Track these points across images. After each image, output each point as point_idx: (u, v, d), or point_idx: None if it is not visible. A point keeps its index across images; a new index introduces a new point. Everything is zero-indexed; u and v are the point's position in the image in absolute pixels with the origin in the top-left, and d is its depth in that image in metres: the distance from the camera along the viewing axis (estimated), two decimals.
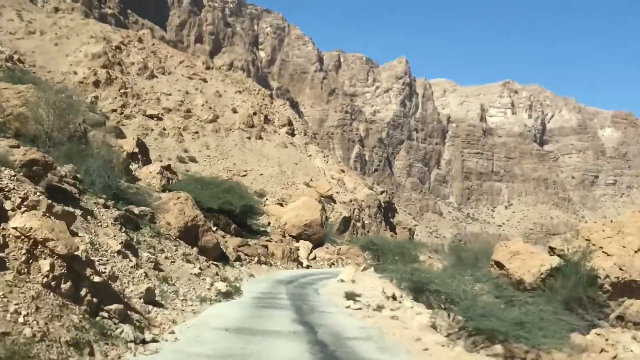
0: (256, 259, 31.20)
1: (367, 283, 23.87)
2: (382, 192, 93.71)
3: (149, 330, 9.69)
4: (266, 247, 35.36)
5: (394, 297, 17.85)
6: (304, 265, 38.37)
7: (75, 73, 70.17)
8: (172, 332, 10.38)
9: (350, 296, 18.23)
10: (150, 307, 11.08)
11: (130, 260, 11.97)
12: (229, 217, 34.91)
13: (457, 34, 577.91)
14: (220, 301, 15.40)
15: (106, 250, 11.64)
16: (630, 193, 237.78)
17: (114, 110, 66.74)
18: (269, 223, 48.37)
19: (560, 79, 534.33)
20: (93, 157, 16.76)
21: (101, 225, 12.78)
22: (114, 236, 12.38)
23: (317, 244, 47.82)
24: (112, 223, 13.11)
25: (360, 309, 16.04)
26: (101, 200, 14.06)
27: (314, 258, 42.44)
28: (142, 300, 10.72)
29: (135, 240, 14.15)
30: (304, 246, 42.70)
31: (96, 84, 68.77)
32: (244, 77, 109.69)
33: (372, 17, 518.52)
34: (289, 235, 46.18)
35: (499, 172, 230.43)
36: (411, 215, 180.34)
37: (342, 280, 24.82)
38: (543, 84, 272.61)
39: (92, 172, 15.56)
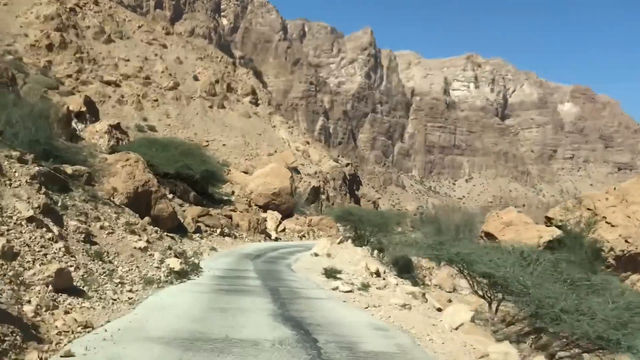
0: (219, 230, 28.37)
1: (344, 257, 21.76)
2: (347, 165, 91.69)
3: (22, 353, 5.99)
4: (230, 217, 32.41)
5: (377, 274, 15.56)
6: (272, 237, 35.73)
7: (27, 35, 65.00)
8: (68, 357, 6.37)
9: (331, 273, 15.92)
10: (63, 296, 7.86)
11: (48, 231, 8.97)
12: (188, 184, 31.62)
13: (422, 4, 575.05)
14: (172, 283, 12.18)
15: (10, 217, 8.78)
16: (587, 167, 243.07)
17: (69, 76, 62.35)
18: (233, 192, 45.00)
19: (523, 52, 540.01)
20: (19, 106, 13.63)
21: (10, 184, 9.84)
22: (28, 199, 9.47)
23: (286, 214, 44.67)
24: (27, 182, 10.16)
25: (351, 291, 13.21)
26: (15, 154, 11.03)
27: (283, 230, 39.63)
28: (50, 287, 7.53)
29: (60, 204, 11.16)
30: (272, 217, 39.81)
31: (49, 47, 64.03)
32: (205, 44, 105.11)
33: None
34: (256, 205, 42.72)
35: (461, 146, 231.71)
36: (374, 188, 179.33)
37: (316, 254, 22.80)
38: (506, 57, 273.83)
39: (15, 123, 12.57)
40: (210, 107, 74.30)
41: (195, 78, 78.39)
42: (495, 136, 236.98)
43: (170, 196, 27.34)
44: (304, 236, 40.20)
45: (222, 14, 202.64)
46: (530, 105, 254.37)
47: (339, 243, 26.89)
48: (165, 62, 77.48)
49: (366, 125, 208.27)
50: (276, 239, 35.52)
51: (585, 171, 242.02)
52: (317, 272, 16.96)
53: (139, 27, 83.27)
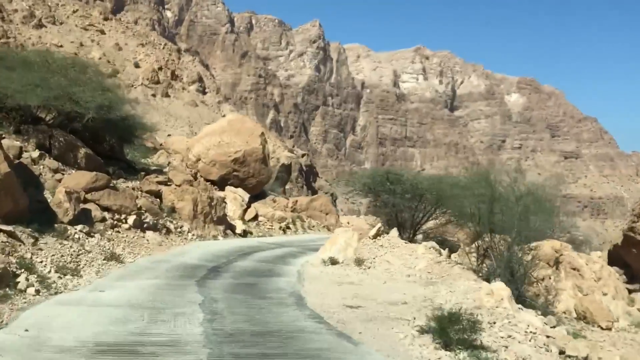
0: (132, 219, 16.59)
1: (396, 265, 13.26)
2: (303, 155, 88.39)
3: None
4: (158, 195, 20.19)
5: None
6: (238, 231, 23.88)
7: None
8: None
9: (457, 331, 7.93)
10: None
11: None
12: (76, 134, 19.33)
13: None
14: None
15: None
16: (535, 156, 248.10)
17: None
18: (169, 163, 30.99)
19: (469, 45, 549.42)
20: None
21: None
22: None
23: (257, 194, 32.01)
24: None
25: None
26: None
27: (255, 218, 27.43)
28: None
29: None
30: (234, 197, 27.04)
31: None
32: (148, 31, 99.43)
33: None
34: (207, 180, 29.45)
35: (412, 138, 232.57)
36: (327, 182, 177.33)
37: (332, 261, 13.55)
38: (453, 50, 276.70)
39: None
40: (154, 95, 69.48)
41: (137, 65, 73.30)
42: (445, 127, 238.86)
43: (35, 154, 16.33)
44: (288, 227, 29.12)
45: (166, 6, 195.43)
46: (478, 97, 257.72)
47: (375, 237, 15.83)
48: (102, 49, 72.03)
49: (317, 118, 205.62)
50: (244, 234, 24.18)
51: (533, 160, 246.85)
52: (394, 321, 8.90)
53: (74, 12, 77.37)
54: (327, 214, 33.80)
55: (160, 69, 74.13)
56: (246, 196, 28.72)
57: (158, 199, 20.30)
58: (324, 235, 26.34)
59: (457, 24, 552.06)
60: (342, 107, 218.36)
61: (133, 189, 19.48)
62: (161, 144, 37.07)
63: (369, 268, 13.26)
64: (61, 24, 73.91)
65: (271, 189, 39.47)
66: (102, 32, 77.52)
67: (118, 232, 15.79)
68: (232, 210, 26.20)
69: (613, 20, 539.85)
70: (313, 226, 31.56)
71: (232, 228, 23.97)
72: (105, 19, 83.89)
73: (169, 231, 18.70)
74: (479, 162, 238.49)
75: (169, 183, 22.33)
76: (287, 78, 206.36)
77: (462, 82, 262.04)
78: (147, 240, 16.46)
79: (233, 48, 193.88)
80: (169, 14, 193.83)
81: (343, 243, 14.20)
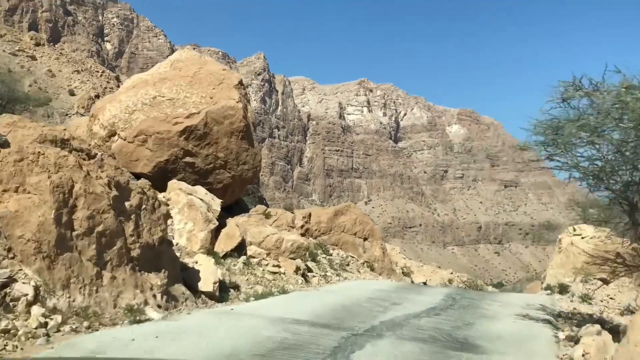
0: None
1: None
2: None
3: None
4: None
5: None
6: (206, 287, 10.92)
7: None
8: None
9: None
10: None
11: None
12: None
13: (314, 32, 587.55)
14: None
15: None
16: (476, 185, 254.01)
17: None
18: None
19: (411, 78, 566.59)
20: None
21: None
22: None
23: (235, 204, 20.02)
24: None
25: None
26: None
27: (240, 249, 14.96)
28: None
29: None
30: (189, 204, 14.26)
31: None
32: (84, 57, 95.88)
33: (228, 11, 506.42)
34: (132, 173, 15.74)
35: (359, 169, 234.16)
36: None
37: None
38: (395, 83, 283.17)
39: None
40: None
41: (72, 93, 69.78)
42: (390, 158, 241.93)
43: None
44: (309, 270, 16.40)
45: (106, 38, 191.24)
46: (421, 128, 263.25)
47: None
48: (34, 75, 68.29)
49: (264, 151, 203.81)
50: (221, 295, 11.21)
51: (474, 190, 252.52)
52: None
53: (1, 36, 73.43)
54: (365, 239, 22.60)
55: (97, 96, 70.87)
56: (215, 202, 15.06)
57: None
58: (388, 285, 16.63)
59: (398, 58, 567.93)
60: (289, 139, 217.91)
61: None
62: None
63: None
64: None
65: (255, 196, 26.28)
66: (34, 57, 73.79)
67: None
68: (186, 231, 13.69)
69: (543, 56, 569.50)
70: (347, 264, 19.54)
71: (188, 279, 10.86)
72: (38, 44, 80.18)
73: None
74: (423, 192, 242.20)
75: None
76: None
77: (405, 114, 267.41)
78: None
79: None
80: (108, 46, 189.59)
81: None
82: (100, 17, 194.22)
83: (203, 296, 10.83)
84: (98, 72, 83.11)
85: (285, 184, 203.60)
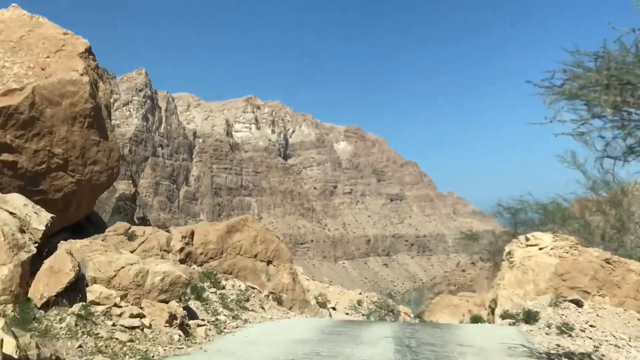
0: None
1: None
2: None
3: None
4: None
5: None
6: None
7: None
8: None
9: None
10: None
11: None
12: None
13: (196, 47, 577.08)
14: None
15: None
16: (364, 200, 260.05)
17: None
18: None
19: (298, 96, 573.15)
20: None
21: None
22: None
23: (83, 221, 16.01)
24: None
25: None
26: None
27: (73, 289, 9.54)
28: None
29: None
30: None
31: None
32: None
33: (105, 25, 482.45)
34: None
35: (248, 187, 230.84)
36: None
37: None
38: (283, 100, 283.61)
39: None
40: None
41: None
42: (280, 175, 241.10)
43: None
44: (190, 316, 11.46)
45: None
46: (309, 145, 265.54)
47: None
48: None
49: (147, 170, 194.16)
50: None
51: (363, 204, 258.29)
52: None
53: None
54: (269, 262, 18.01)
55: None
56: (39, 218, 10.23)
57: None
58: (307, 328, 13.09)
59: (285, 76, 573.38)
60: (174, 157, 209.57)
61: None
62: None
63: None
64: None
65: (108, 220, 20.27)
66: None
67: None
68: None
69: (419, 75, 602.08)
70: (247, 299, 15.09)
71: None
72: None
73: None
74: (314, 208, 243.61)
75: None
76: (112, 129, 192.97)
77: (293, 131, 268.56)
78: None
79: None
80: None
81: None
82: None
83: None
84: None
85: (171, 204, 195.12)
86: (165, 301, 10.55)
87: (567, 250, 17.40)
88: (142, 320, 9.63)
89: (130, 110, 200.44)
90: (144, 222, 30.00)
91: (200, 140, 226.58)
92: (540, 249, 17.94)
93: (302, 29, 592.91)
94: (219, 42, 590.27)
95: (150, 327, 9.64)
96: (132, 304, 10.06)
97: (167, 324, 9.99)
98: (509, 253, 18.86)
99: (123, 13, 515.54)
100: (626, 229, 24.55)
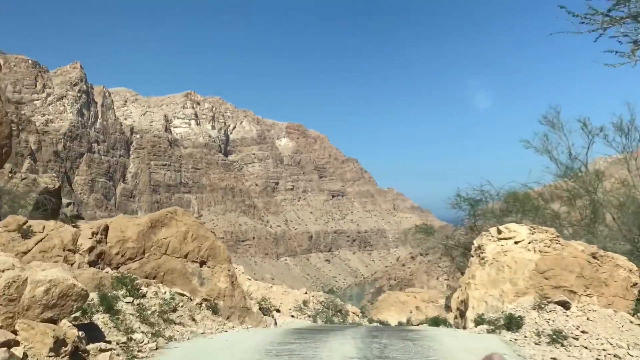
0: None
1: None
2: (68, 205, 77.57)
3: None
4: None
5: None
6: None
7: None
8: None
9: None
10: None
11: None
12: None
13: (136, 42, 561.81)
14: None
15: None
16: (306, 196, 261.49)
17: None
18: None
19: (239, 92, 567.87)
20: None
21: None
22: None
23: None
24: None
25: None
26: None
27: None
28: None
29: None
30: None
31: None
32: None
33: (39, 15, 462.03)
34: None
35: (188, 184, 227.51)
36: None
37: None
38: (223, 96, 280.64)
39: None
40: None
41: None
42: (220, 172, 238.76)
43: None
44: (91, 341, 8.78)
45: None
46: (250, 141, 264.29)
47: None
48: None
49: (83, 167, 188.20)
50: None
51: (305, 200, 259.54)
52: None
53: None
54: (203, 263, 15.64)
55: None
56: None
57: None
58: (246, 348, 10.86)
59: (225, 71, 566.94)
60: (110, 153, 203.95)
61: None
62: None
63: None
64: None
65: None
66: None
67: None
68: None
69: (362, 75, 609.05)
70: (174, 309, 13.04)
71: None
72: None
73: None
74: (255, 205, 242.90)
75: None
76: (45, 123, 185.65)
77: (234, 127, 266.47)
78: None
79: None
80: None
81: None
82: None
83: None
84: None
85: (107, 202, 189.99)
86: (53, 320, 8.02)
87: (547, 244, 15.57)
88: (14, 350, 7.17)
89: (64, 105, 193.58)
90: (78, 219, 28.42)
91: (138, 136, 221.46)
92: (516, 242, 16.18)
93: (241, 26, 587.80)
94: (158, 37, 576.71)
95: (24, 359, 7.23)
96: (1, 325, 7.53)
97: (51, 353, 7.52)
98: (479, 247, 17.04)
99: (58, 3, 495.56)
100: (599, 217, 22.93)
